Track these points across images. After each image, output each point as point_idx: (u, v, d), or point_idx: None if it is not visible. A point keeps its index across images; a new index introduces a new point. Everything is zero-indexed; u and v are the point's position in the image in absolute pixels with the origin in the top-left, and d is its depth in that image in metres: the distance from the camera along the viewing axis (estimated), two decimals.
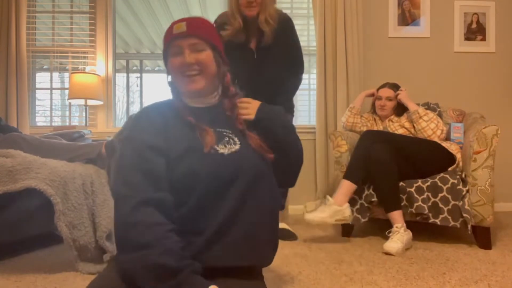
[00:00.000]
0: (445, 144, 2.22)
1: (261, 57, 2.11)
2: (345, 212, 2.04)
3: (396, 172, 2.06)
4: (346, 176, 2.12)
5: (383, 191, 2.06)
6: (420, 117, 2.30)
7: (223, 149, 0.96)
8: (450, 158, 2.20)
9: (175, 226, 0.85)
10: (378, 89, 2.57)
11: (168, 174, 0.90)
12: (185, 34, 0.99)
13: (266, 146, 1.02)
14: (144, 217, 0.82)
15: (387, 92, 2.50)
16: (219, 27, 2.11)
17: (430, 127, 2.27)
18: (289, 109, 2.26)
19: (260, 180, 0.97)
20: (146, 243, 0.79)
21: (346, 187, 2.09)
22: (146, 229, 0.80)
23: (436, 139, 2.26)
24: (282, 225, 2.26)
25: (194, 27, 1.00)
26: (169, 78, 1.08)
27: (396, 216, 2.01)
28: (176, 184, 0.90)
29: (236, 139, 1.00)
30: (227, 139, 0.99)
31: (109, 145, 1.92)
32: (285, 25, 2.14)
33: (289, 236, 2.23)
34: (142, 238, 0.79)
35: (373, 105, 2.62)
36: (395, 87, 2.52)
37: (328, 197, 2.09)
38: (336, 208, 2.03)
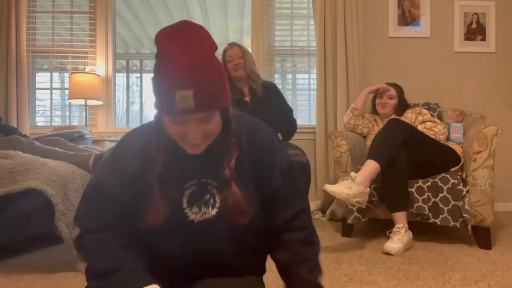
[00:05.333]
0: (451, 145, 2.24)
1: (256, 106, 2.40)
2: (366, 196, 1.92)
3: (407, 174, 2.05)
4: (374, 157, 1.98)
5: (392, 190, 2.05)
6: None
7: (194, 214, 0.83)
8: (456, 159, 2.20)
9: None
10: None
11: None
12: (192, 112, 0.72)
13: (246, 205, 0.84)
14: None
15: (389, 90, 2.50)
16: None
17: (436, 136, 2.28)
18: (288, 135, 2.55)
19: (225, 261, 0.87)
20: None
21: (373, 169, 1.95)
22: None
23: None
24: None
25: (205, 100, 0.72)
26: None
27: (400, 217, 2.01)
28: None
29: (217, 198, 0.84)
30: (207, 196, 0.84)
31: (97, 159, 1.88)
32: (270, 84, 2.60)
33: None
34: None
35: (373, 104, 2.62)
36: (395, 86, 2.53)
37: (354, 174, 1.93)
38: (362, 189, 1.88)
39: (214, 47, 0.76)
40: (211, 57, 0.75)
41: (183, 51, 0.71)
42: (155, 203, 0.81)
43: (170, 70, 0.71)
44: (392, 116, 2.48)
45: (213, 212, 0.84)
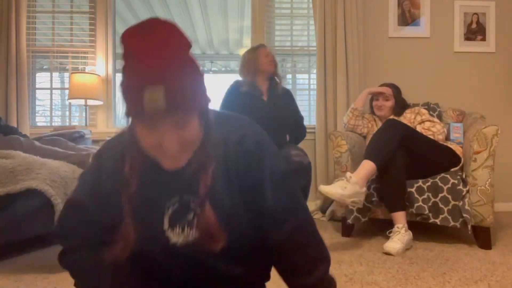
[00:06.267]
0: (451, 145, 2.24)
1: (271, 105, 2.50)
2: (363, 196, 1.92)
3: (404, 174, 2.05)
4: (370, 157, 1.98)
5: (390, 191, 2.05)
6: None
7: (177, 236, 0.76)
8: (455, 159, 2.21)
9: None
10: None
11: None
12: (164, 113, 0.64)
13: (218, 230, 0.74)
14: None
15: (387, 92, 2.50)
16: (236, 88, 2.54)
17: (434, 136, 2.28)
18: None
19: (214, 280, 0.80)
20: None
21: (369, 169, 1.95)
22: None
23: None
24: None
25: (177, 97, 0.64)
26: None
27: (399, 217, 2.01)
28: None
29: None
30: (190, 216, 0.76)
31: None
32: (288, 91, 2.68)
33: None
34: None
35: (371, 105, 2.62)
36: (392, 86, 2.52)
37: (350, 174, 1.93)
38: (358, 189, 1.88)
39: (187, 45, 0.69)
40: (183, 54, 0.67)
41: (150, 47, 0.64)
42: (124, 231, 0.73)
43: (137, 66, 0.64)
44: (391, 117, 2.48)
45: (197, 234, 0.75)
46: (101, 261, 0.76)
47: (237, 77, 2.63)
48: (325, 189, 1.88)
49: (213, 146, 0.74)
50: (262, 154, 0.79)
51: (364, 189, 1.93)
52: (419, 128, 2.31)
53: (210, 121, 0.73)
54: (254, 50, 2.57)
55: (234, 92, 2.51)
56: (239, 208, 0.78)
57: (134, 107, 0.65)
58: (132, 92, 0.64)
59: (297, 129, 2.61)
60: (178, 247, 0.75)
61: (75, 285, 0.82)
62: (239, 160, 0.77)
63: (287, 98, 2.60)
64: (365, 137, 2.61)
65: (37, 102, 3.41)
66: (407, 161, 2.06)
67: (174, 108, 0.64)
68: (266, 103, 2.48)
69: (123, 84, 0.67)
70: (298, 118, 2.63)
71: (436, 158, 2.17)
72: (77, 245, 0.81)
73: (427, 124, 2.33)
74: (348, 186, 1.87)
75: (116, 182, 0.74)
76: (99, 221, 0.78)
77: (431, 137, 2.24)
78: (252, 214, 0.78)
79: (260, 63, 2.49)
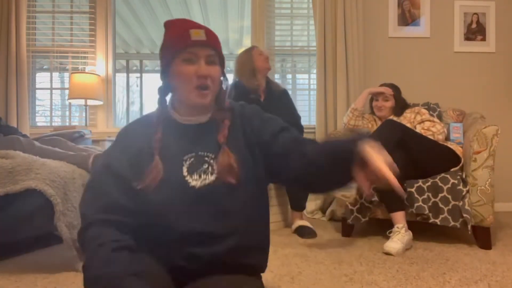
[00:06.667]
0: (451, 145, 2.24)
1: (268, 105, 2.51)
2: (353, 190, 1.96)
3: (403, 174, 2.04)
4: None
5: (388, 191, 2.05)
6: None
7: (195, 181, 0.91)
8: (455, 159, 2.20)
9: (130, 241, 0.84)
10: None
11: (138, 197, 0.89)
12: (204, 44, 0.91)
13: (236, 165, 0.91)
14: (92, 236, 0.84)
15: (387, 92, 2.49)
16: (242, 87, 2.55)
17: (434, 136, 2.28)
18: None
19: (229, 214, 0.91)
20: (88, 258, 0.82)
21: None
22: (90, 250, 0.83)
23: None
24: (302, 222, 2.35)
25: (213, 38, 0.94)
26: (163, 84, 0.98)
27: (399, 217, 2.01)
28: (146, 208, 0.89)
29: (215, 166, 0.92)
30: (205, 166, 0.92)
31: (97, 159, 1.88)
32: (285, 90, 2.73)
33: (309, 233, 2.27)
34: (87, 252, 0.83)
35: (371, 106, 2.62)
36: (392, 87, 2.52)
37: None
38: None
39: None
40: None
41: (189, 20, 0.96)
42: (154, 163, 0.90)
43: (182, 22, 0.94)
44: (391, 117, 2.48)
45: (212, 177, 0.91)
46: (111, 246, 0.80)
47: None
48: None
49: (226, 108, 0.98)
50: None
51: (355, 184, 1.94)
52: (419, 128, 2.31)
53: (226, 78, 0.99)
54: (248, 52, 2.61)
55: (232, 93, 2.52)
56: (245, 158, 0.94)
57: (180, 43, 0.91)
58: (179, 35, 0.91)
59: (294, 128, 2.62)
60: (197, 189, 0.90)
61: (83, 267, 0.82)
62: (243, 121, 0.98)
63: (284, 98, 2.63)
64: None
65: (37, 102, 3.42)
66: (407, 161, 2.06)
67: (210, 43, 0.92)
68: (263, 103, 2.50)
69: (163, 44, 0.95)
70: (295, 118, 2.64)
71: (436, 158, 2.17)
72: (100, 219, 0.85)
73: (427, 124, 2.33)
74: None
75: (144, 138, 0.93)
76: (126, 180, 0.89)
77: (431, 137, 2.24)
78: (257, 165, 0.95)
79: (256, 62, 2.54)
